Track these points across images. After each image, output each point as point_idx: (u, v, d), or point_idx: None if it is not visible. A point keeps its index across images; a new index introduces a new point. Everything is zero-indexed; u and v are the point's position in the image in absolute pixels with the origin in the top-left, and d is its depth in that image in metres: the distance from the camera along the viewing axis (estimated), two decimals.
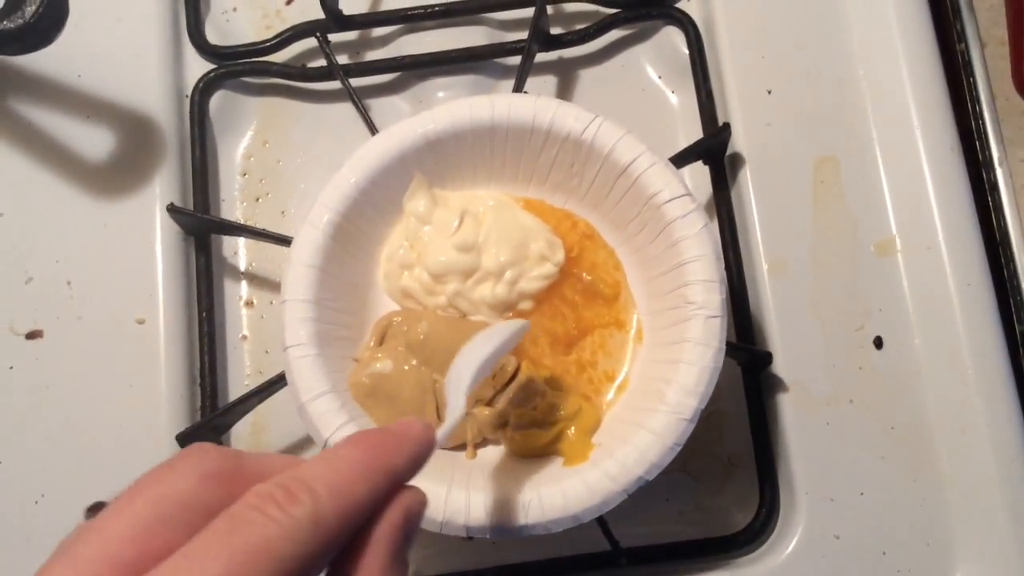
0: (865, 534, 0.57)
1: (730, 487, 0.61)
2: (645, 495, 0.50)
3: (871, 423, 0.58)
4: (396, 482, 0.34)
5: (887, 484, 0.57)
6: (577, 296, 0.56)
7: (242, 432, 0.62)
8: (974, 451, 0.57)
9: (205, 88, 0.65)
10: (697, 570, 0.57)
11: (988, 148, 0.64)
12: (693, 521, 0.60)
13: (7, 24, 0.50)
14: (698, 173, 0.64)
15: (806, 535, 0.57)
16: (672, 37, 0.67)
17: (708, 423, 0.61)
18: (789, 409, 0.59)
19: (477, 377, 0.46)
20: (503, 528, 0.48)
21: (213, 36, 0.67)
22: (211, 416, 0.58)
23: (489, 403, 0.54)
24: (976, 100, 0.65)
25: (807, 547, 0.57)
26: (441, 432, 0.39)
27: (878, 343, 0.59)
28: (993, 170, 0.64)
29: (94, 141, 0.63)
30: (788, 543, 0.57)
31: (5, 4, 0.51)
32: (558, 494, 0.48)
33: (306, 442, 0.62)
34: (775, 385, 0.59)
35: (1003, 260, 0.62)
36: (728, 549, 0.57)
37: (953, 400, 0.58)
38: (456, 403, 0.44)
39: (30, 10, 0.50)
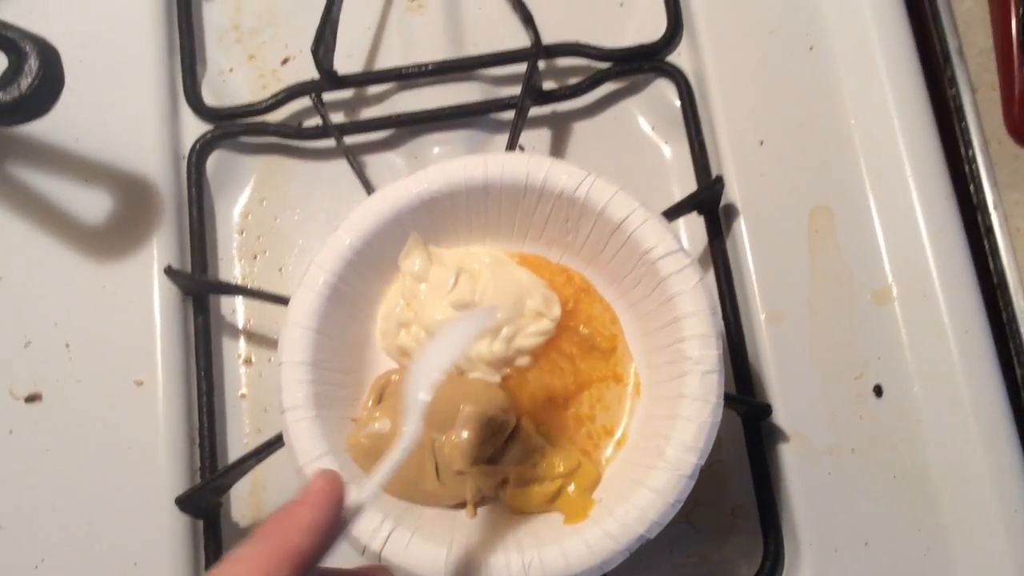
0: None
1: (734, 539, 0.61)
2: (648, 547, 0.49)
3: (873, 472, 0.58)
4: (305, 560, 0.34)
5: (891, 534, 0.57)
6: (574, 349, 0.56)
7: (242, 491, 0.62)
8: (977, 499, 0.57)
9: (202, 149, 0.66)
10: None
11: (982, 191, 0.64)
12: (697, 574, 0.60)
13: (3, 96, 0.51)
14: (693, 224, 0.64)
15: None
16: (664, 90, 0.68)
17: (710, 474, 0.61)
18: (791, 459, 0.58)
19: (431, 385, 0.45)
20: None
21: (210, 97, 0.68)
22: (211, 479, 0.57)
23: (489, 461, 0.54)
24: (969, 144, 0.66)
25: None
26: (378, 475, 0.40)
27: (878, 391, 0.59)
28: (988, 214, 0.64)
29: (92, 204, 0.64)
30: None
31: (1, 76, 0.51)
32: (559, 555, 0.48)
33: None
34: (776, 435, 0.59)
35: (1001, 304, 0.62)
36: None
37: (954, 447, 0.58)
38: (412, 424, 0.44)
39: (26, 82, 0.51)
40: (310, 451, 0.50)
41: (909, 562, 0.57)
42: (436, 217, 0.56)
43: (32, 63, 0.50)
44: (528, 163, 0.54)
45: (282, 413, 0.51)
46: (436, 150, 0.68)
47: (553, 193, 0.54)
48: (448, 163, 0.55)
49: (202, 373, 0.62)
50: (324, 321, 0.53)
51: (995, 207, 0.64)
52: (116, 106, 0.66)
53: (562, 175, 0.54)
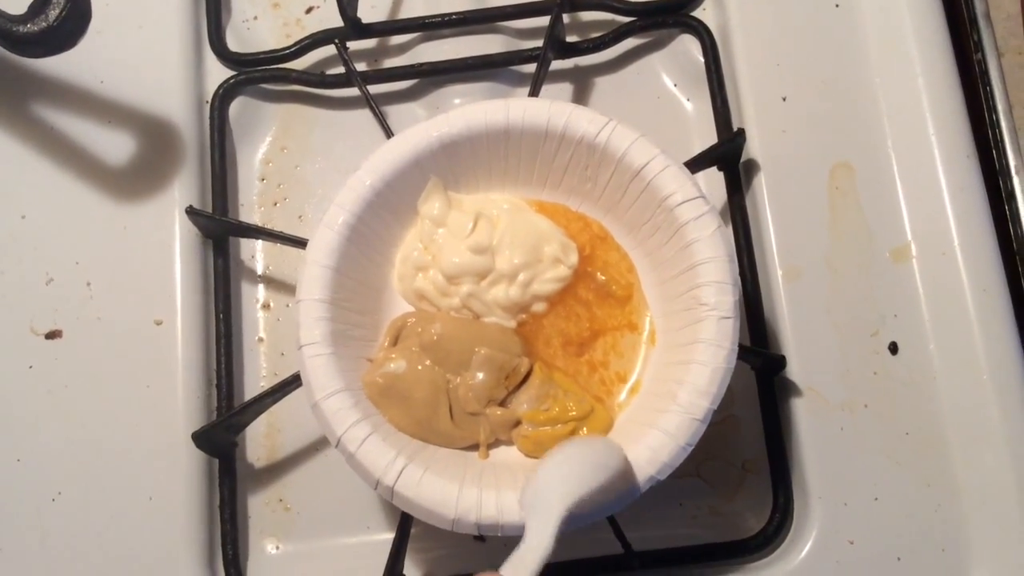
0: (880, 539, 0.56)
1: (744, 492, 0.61)
2: (658, 499, 0.50)
3: (886, 428, 0.58)
4: None
5: (902, 489, 0.57)
6: (590, 295, 0.56)
7: (257, 433, 0.62)
8: (989, 457, 0.57)
9: (225, 94, 0.66)
10: (710, 574, 0.57)
11: (1005, 157, 0.64)
12: (706, 525, 0.60)
13: (31, 27, 0.51)
14: (713, 179, 0.64)
15: (820, 540, 0.56)
16: (687, 45, 0.67)
17: (722, 428, 0.61)
18: (803, 414, 0.58)
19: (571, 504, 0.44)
20: (514, 526, 0.48)
21: (234, 43, 0.68)
22: (227, 415, 0.58)
23: (502, 404, 0.54)
24: (993, 109, 0.65)
25: (821, 552, 0.56)
26: None
27: (893, 348, 0.59)
28: (1010, 179, 0.64)
29: (115, 145, 0.64)
30: (802, 548, 0.57)
31: (29, 8, 0.52)
32: None
33: (321, 443, 0.62)
34: (789, 390, 0.59)
35: (1021, 270, 0.62)
36: (741, 553, 0.57)
37: (968, 406, 0.58)
38: (540, 535, 0.43)
39: (53, 13, 0.51)
40: (326, 387, 0.50)
41: (919, 518, 0.57)
42: (456, 162, 0.56)
43: None
44: (549, 108, 0.54)
45: (299, 349, 0.51)
46: (457, 101, 0.68)
47: (574, 139, 0.54)
48: (469, 107, 0.55)
49: (220, 315, 0.62)
50: (343, 261, 0.53)
51: (1017, 172, 0.64)
52: (141, 49, 0.66)
53: (583, 121, 0.54)
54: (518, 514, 0.48)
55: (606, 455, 0.48)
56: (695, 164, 0.60)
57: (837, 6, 0.65)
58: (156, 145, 0.64)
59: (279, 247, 0.65)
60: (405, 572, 0.56)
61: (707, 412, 0.49)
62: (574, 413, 0.53)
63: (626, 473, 0.48)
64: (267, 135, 0.69)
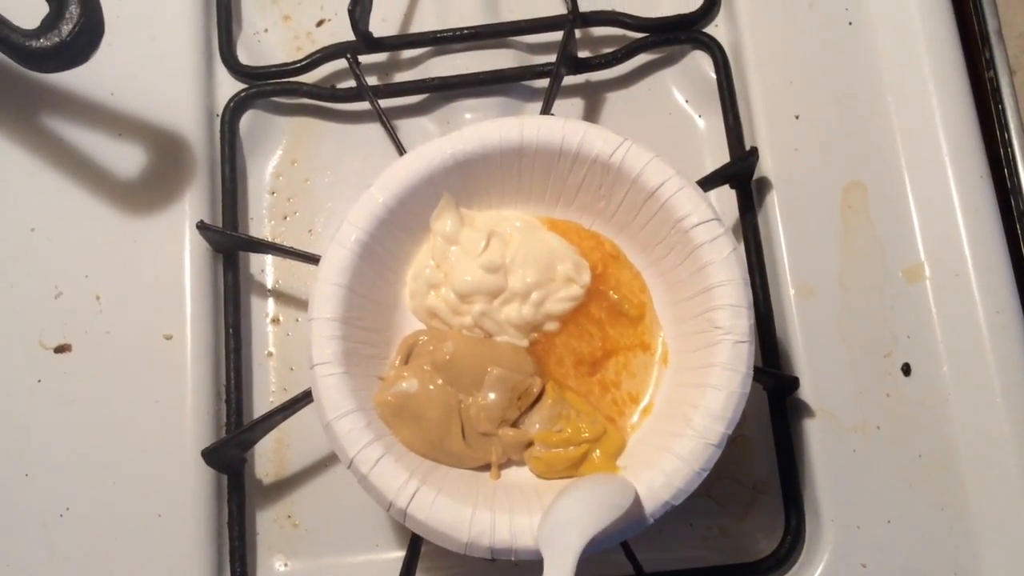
0: (892, 563, 0.56)
1: (755, 513, 0.60)
2: (669, 519, 0.49)
3: (898, 450, 0.58)
4: None
5: (914, 512, 0.57)
6: (603, 314, 0.56)
7: (266, 449, 0.62)
8: (1002, 480, 0.57)
9: (236, 107, 0.66)
10: None
11: (1017, 175, 0.64)
12: (717, 547, 0.60)
13: (44, 42, 0.51)
14: (725, 197, 0.64)
15: (832, 563, 0.56)
16: (699, 61, 0.67)
17: (734, 449, 0.61)
18: (815, 435, 0.58)
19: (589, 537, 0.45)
20: (527, 550, 0.48)
21: (244, 56, 0.68)
22: (236, 432, 0.58)
23: (514, 424, 0.54)
24: (1005, 128, 0.65)
25: (833, 575, 0.56)
26: None
27: (906, 370, 0.59)
28: (1022, 198, 0.63)
29: (125, 158, 0.64)
30: (814, 571, 0.56)
31: (42, 22, 0.51)
32: None
33: (330, 459, 0.62)
34: (801, 411, 0.59)
35: None
36: None
37: (981, 428, 0.57)
38: (559, 570, 0.43)
39: (67, 28, 0.51)
40: (339, 406, 0.50)
41: (932, 541, 0.56)
42: (469, 179, 0.56)
43: (73, 9, 0.50)
44: (564, 127, 0.54)
45: (311, 368, 0.51)
46: (468, 116, 0.67)
47: (588, 158, 0.54)
48: (483, 124, 0.54)
49: (230, 330, 0.62)
50: (355, 278, 0.53)
51: None
52: (151, 62, 0.66)
53: (598, 140, 0.53)
54: (531, 538, 0.48)
55: (619, 496, 0.47)
56: (707, 182, 0.59)
57: (850, 24, 0.64)
58: (166, 158, 0.64)
59: (289, 261, 0.65)
60: None
61: (722, 437, 0.49)
62: (587, 435, 0.53)
63: (638, 503, 0.48)
64: (277, 148, 0.68)
